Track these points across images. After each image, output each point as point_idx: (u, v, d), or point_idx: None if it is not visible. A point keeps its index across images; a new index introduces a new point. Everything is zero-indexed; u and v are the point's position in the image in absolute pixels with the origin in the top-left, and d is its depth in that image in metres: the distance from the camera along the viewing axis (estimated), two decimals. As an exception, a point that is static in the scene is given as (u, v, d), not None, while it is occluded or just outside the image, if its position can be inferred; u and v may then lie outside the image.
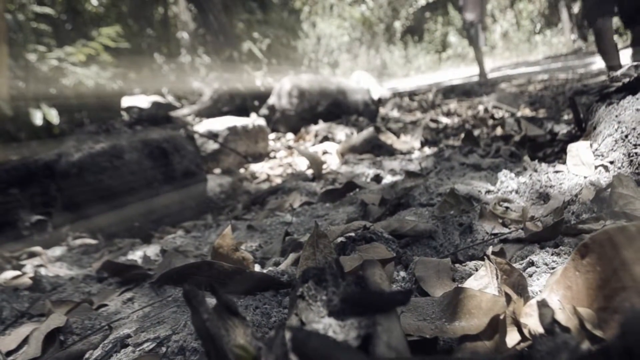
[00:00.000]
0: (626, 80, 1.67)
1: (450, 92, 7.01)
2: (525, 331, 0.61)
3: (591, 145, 1.60)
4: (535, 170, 1.62)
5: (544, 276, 0.86)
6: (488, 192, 1.48)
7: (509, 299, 0.65)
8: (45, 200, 2.11)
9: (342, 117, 4.38)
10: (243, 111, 5.24)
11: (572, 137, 2.09)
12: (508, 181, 1.52)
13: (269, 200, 2.06)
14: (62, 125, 5.22)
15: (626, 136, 1.45)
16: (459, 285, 0.75)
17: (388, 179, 2.04)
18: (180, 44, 9.00)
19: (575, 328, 0.57)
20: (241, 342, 0.41)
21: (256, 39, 8.25)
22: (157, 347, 0.75)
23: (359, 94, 4.70)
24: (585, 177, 1.46)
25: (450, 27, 19.66)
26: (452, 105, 5.36)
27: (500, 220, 1.28)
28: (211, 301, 0.63)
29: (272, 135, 4.45)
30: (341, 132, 3.79)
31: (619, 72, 1.83)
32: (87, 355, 0.78)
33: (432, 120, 4.25)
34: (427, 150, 2.80)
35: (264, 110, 4.80)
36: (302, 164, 3.12)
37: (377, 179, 2.02)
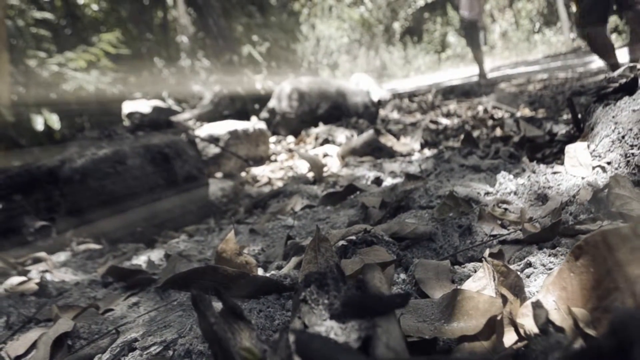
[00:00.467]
0: (623, 81, 1.68)
1: (449, 92, 7.03)
2: (522, 331, 0.63)
3: (588, 146, 1.61)
4: (534, 172, 1.63)
5: (542, 277, 0.87)
6: (487, 193, 1.50)
7: (505, 300, 0.67)
8: (49, 206, 2.13)
9: (342, 120, 4.40)
10: (243, 115, 5.27)
11: (571, 138, 2.11)
12: (507, 183, 1.54)
13: (271, 204, 2.08)
14: (63, 130, 5.25)
15: (623, 137, 1.47)
16: (457, 287, 0.77)
17: (388, 181, 2.05)
18: (180, 47, 9.03)
19: (570, 328, 0.58)
20: (247, 345, 0.43)
21: (255, 42, 8.28)
22: (164, 350, 0.77)
23: (359, 96, 4.72)
24: (582, 178, 1.48)
25: (449, 27, 19.69)
26: (452, 106, 5.38)
27: (499, 222, 1.29)
28: (217, 305, 0.65)
29: (272, 139, 4.47)
30: (341, 135, 3.81)
31: (615, 73, 1.85)
32: (95, 359, 0.80)
33: (432, 122, 4.27)
34: (427, 152, 2.82)
35: (264, 114, 4.82)
36: (303, 167, 3.14)
37: (378, 181, 2.04)
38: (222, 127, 3.66)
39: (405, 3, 21.38)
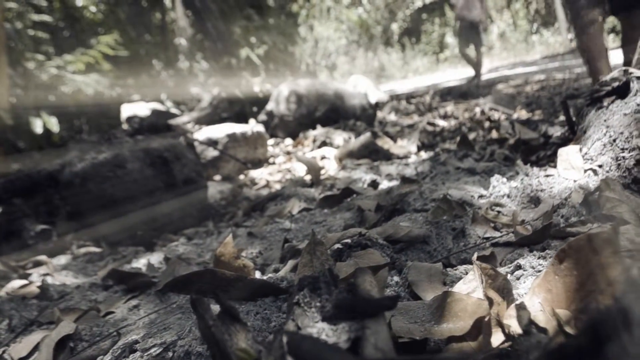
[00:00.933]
0: (615, 84, 1.70)
1: (447, 94, 7.06)
2: (508, 332, 0.66)
3: (581, 149, 1.64)
4: (527, 175, 1.66)
5: (531, 279, 0.90)
6: (481, 196, 1.53)
7: (493, 302, 0.69)
8: (49, 209, 2.15)
9: (340, 122, 4.43)
10: (242, 117, 5.30)
11: (565, 141, 2.13)
12: (500, 186, 1.56)
13: (269, 207, 2.10)
14: (62, 133, 5.27)
15: (614, 140, 1.50)
16: (448, 290, 0.79)
17: (385, 184, 2.08)
18: (178, 50, 9.05)
19: (553, 328, 0.61)
20: (243, 346, 0.46)
21: (254, 45, 8.31)
22: (163, 352, 0.79)
23: (357, 99, 4.75)
24: (575, 181, 1.50)
25: (447, 28, 19.75)
26: (449, 107, 5.41)
27: (492, 224, 1.32)
28: (215, 308, 0.68)
29: (271, 141, 4.50)
30: (339, 137, 3.84)
31: (608, 77, 1.87)
32: (97, 361, 0.82)
33: (429, 124, 4.30)
34: (424, 155, 2.85)
35: (262, 116, 4.85)
36: (300, 170, 3.17)
37: (374, 184, 2.07)
38: (221, 130, 3.68)
39: (403, 4, 21.44)
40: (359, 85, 6.48)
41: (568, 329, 0.60)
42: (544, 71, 8.76)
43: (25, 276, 1.67)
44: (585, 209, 1.31)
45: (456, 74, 13.10)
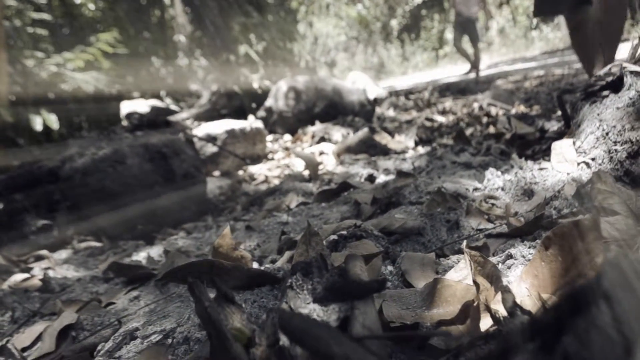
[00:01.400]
0: (609, 79, 1.72)
1: (446, 90, 7.08)
2: (496, 316, 0.68)
3: (574, 142, 1.66)
4: (521, 168, 1.68)
5: (521, 267, 0.92)
6: (475, 189, 1.55)
7: (481, 287, 0.72)
8: (50, 205, 2.17)
9: (339, 118, 4.45)
10: (241, 113, 5.32)
11: (561, 135, 2.15)
12: (494, 179, 1.59)
13: (267, 201, 2.13)
14: (62, 130, 5.29)
15: (607, 134, 1.52)
16: (437, 277, 0.82)
17: (381, 178, 2.10)
18: (177, 47, 9.06)
19: (538, 312, 0.63)
20: (238, 326, 0.48)
21: (252, 41, 8.31)
22: (163, 338, 0.82)
23: (355, 95, 4.77)
24: (568, 174, 1.52)
25: (447, 24, 19.73)
26: (448, 103, 5.43)
27: (486, 216, 1.34)
28: (213, 295, 0.70)
29: (269, 137, 4.52)
30: (337, 133, 3.86)
31: (602, 72, 1.89)
32: (99, 348, 0.84)
33: (427, 119, 4.32)
34: (421, 150, 2.87)
35: (261, 113, 4.87)
36: (299, 165, 3.19)
37: (371, 178, 2.09)
38: (220, 126, 3.70)
39: (403, 0, 21.41)
40: (357, 82, 6.49)
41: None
42: (543, 67, 8.76)
43: (27, 270, 1.70)
44: (578, 201, 1.33)
45: (456, 70, 13.10)
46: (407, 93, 7.10)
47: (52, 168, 2.20)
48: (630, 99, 1.53)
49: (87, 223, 2.06)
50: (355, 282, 0.49)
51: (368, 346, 0.43)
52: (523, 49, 16.46)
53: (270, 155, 3.91)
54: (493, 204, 1.42)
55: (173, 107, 6.08)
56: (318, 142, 3.83)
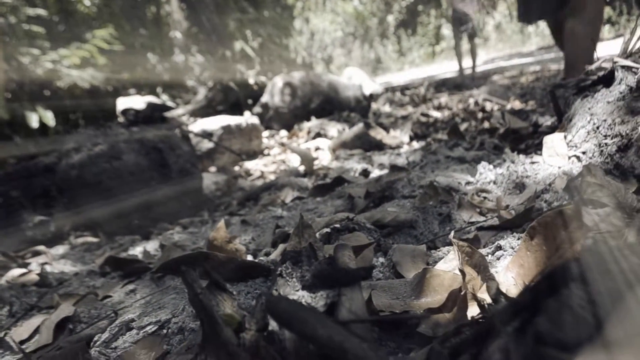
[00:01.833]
0: (601, 74, 1.74)
1: (442, 85, 7.09)
2: (482, 304, 0.70)
3: (565, 136, 1.68)
4: (513, 162, 1.70)
5: (509, 258, 0.94)
6: (468, 183, 1.57)
7: (468, 276, 0.73)
8: (46, 201, 2.18)
9: (335, 114, 4.46)
10: (237, 109, 5.32)
11: (553, 129, 2.17)
12: (486, 173, 1.61)
13: (263, 196, 2.14)
14: (58, 127, 5.29)
15: (597, 127, 1.54)
16: (426, 267, 0.84)
17: (376, 173, 2.12)
18: (173, 43, 9.04)
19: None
20: (229, 312, 0.49)
21: (248, 37, 8.31)
22: (159, 329, 0.84)
23: (351, 90, 4.78)
24: (559, 167, 1.55)
25: (443, 19, 19.72)
26: (443, 98, 5.44)
27: (478, 210, 1.36)
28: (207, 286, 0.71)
29: (265, 133, 4.53)
30: (333, 128, 3.87)
31: (594, 66, 1.91)
32: (95, 339, 0.86)
33: (423, 115, 4.33)
34: (416, 145, 2.89)
35: (257, 109, 4.88)
36: (295, 161, 3.21)
37: (365, 173, 2.11)
38: (216, 122, 3.71)
39: (399, -4, 21.39)
40: (353, 77, 6.50)
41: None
42: (540, 62, 8.78)
43: (25, 265, 1.71)
44: (568, 194, 1.35)
45: (452, 65, 13.11)
46: (403, 89, 7.12)
47: (48, 164, 2.21)
48: (621, 93, 1.55)
49: (84, 218, 2.07)
50: (343, 270, 0.51)
51: (353, 330, 0.45)
52: (519, 44, 16.48)
53: (266, 151, 3.92)
54: (485, 197, 1.44)
55: (169, 103, 6.08)
56: (314, 138, 3.84)
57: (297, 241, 0.90)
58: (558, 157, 1.62)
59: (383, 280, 0.89)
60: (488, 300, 0.69)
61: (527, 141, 2.25)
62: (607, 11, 13.53)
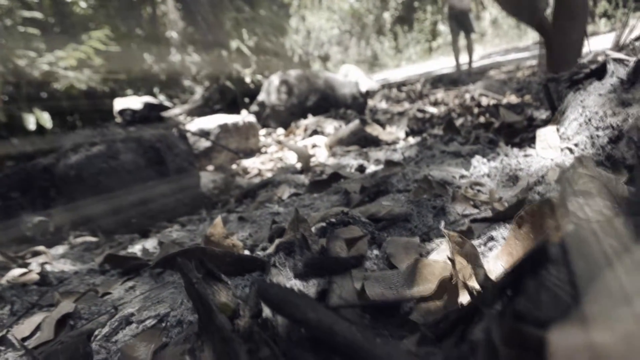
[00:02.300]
0: (593, 66, 1.76)
1: (438, 81, 7.11)
2: (472, 292, 0.72)
3: (558, 129, 1.70)
4: (507, 155, 1.72)
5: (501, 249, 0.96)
6: (462, 177, 1.59)
7: (460, 264, 0.75)
8: (45, 201, 2.20)
9: (331, 111, 4.48)
10: (234, 108, 5.34)
11: (548, 123, 2.20)
12: (480, 166, 1.62)
13: (260, 193, 2.16)
14: (55, 129, 5.30)
15: (589, 120, 1.56)
16: (418, 257, 0.85)
17: (372, 168, 2.14)
18: (169, 43, 9.04)
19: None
20: (223, 300, 0.51)
21: (244, 36, 8.31)
22: (158, 322, 0.85)
23: (347, 88, 4.80)
24: (552, 160, 1.56)
25: (440, 15, 19.72)
26: (440, 94, 5.46)
27: (472, 202, 1.38)
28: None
29: (262, 131, 4.54)
30: (330, 126, 3.89)
31: (586, 59, 1.93)
32: (96, 333, 0.88)
33: (419, 110, 4.35)
34: (411, 140, 2.90)
35: (254, 107, 4.89)
36: (291, 158, 3.22)
37: (361, 169, 2.12)
38: (213, 121, 3.73)
39: (395, -8, 21.38)
40: (349, 75, 6.51)
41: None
42: (536, 57, 8.79)
43: (25, 265, 1.72)
44: (560, 185, 1.37)
45: (449, 61, 13.12)
46: (400, 85, 7.13)
47: (46, 165, 2.22)
48: (612, 85, 1.57)
49: (83, 218, 2.09)
50: (333, 259, 0.53)
51: (343, 314, 0.46)
52: (516, 39, 16.50)
53: (263, 149, 3.94)
54: (479, 190, 1.46)
55: (166, 103, 6.09)
56: (311, 135, 3.86)
57: (292, 235, 0.91)
58: (551, 149, 1.64)
59: (377, 272, 0.91)
60: (478, 288, 0.71)
61: (522, 135, 2.27)
62: (603, 4, 13.56)
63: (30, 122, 4.86)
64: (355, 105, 4.75)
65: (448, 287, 0.70)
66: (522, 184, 1.44)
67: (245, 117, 3.98)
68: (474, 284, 0.72)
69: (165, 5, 9.43)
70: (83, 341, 0.79)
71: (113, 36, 6.10)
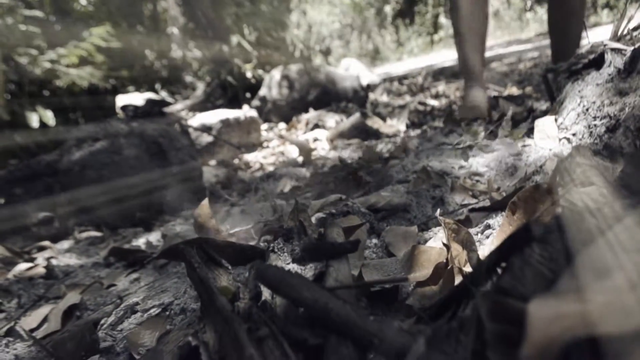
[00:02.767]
0: (591, 57, 1.77)
1: (439, 74, 7.10)
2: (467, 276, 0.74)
3: (556, 119, 1.72)
4: (505, 146, 1.74)
5: (497, 236, 0.98)
6: (461, 167, 1.60)
7: (455, 250, 0.77)
8: (50, 197, 2.22)
9: (332, 105, 4.49)
10: (235, 103, 5.35)
11: (547, 113, 2.21)
12: (479, 156, 1.64)
13: (262, 187, 2.18)
14: (58, 126, 5.32)
15: (587, 109, 1.57)
16: (415, 244, 0.87)
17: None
18: (171, 39, 9.05)
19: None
20: (224, 284, 0.53)
21: (245, 31, 8.32)
22: (162, 311, 0.88)
23: (348, 81, 4.81)
24: (550, 150, 1.58)
25: (441, 8, 19.62)
26: (441, 87, 5.46)
27: (470, 192, 1.40)
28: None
29: (264, 126, 4.56)
30: (331, 119, 3.90)
31: (585, 50, 1.94)
32: (102, 322, 0.90)
33: (420, 103, 4.36)
34: (412, 133, 2.92)
35: (255, 102, 4.91)
36: (293, 152, 3.24)
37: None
38: (214, 116, 3.75)
39: (396, -15, 21.28)
40: (350, 68, 6.51)
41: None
42: (538, 49, 8.75)
43: (31, 260, 1.75)
44: (558, 174, 1.38)
45: (451, 54, 13.07)
46: (401, 78, 7.13)
47: (50, 162, 2.24)
48: (609, 75, 1.58)
49: (87, 213, 2.11)
50: (330, 243, 0.55)
51: (338, 295, 0.48)
52: (518, 31, 16.41)
53: (265, 144, 3.96)
54: (477, 181, 1.47)
55: (168, 99, 6.11)
56: (312, 129, 3.87)
57: (291, 223, 0.93)
58: (549, 139, 1.65)
59: (376, 259, 0.93)
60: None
61: (521, 125, 2.28)
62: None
63: (33, 120, 4.89)
64: (357, 98, 4.76)
65: (444, 272, 0.72)
66: (520, 173, 1.46)
67: (246, 111, 3.99)
68: (469, 268, 0.74)
69: (166, 1, 9.44)
70: (90, 329, 0.82)
71: (114, 33, 6.10)
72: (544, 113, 2.27)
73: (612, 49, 1.65)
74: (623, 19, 1.87)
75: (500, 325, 0.39)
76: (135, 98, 5.00)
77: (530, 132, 2.13)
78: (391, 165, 1.60)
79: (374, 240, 1.04)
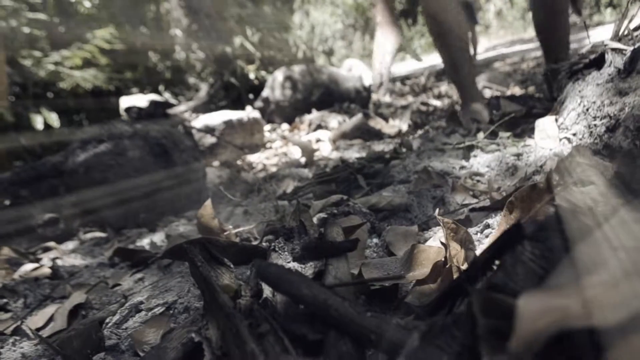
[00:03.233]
0: (592, 57, 1.78)
1: (442, 74, 7.10)
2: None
3: (557, 119, 1.72)
4: (506, 146, 1.75)
5: (496, 235, 0.99)
6: (462, 167, 1.61)
7: (453, 249, 0.78)
8: (55, 199, 2.24)
9: (335, 105, 4.51)
10: (238, 104, 5.38)
11: (548, 113, 2.21)
12: (480, 157, 1.65)
13: (265, 188, 2.20)
14: (62, 128, 5.36)
15: (587, 109, 1.58)
16: (415, 243, 0.89)
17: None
18: (174, 41, 9.08)
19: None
20: (226, 282, 0.55)
21: (248, 33, 8.34)
22: (166, 310, 0.89)
23: (351, 82, 4.82)
24: (550, 150, 1.59)
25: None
26: (444, 87, 5.47)
27: (471, 192, 1.41)
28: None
29: (267, 127, 4.58)
30: (334, 120, 3.92)
31: (585, 50, 1.95)
32: (107, 320, 0.92)
33: (422, 104, 4.37)
34: (414, 133, 2.93)
35: (258, 103, 4.93)
36: (296, 153, 3.26)
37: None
38: (217, 118, 3.77)
39: (398, -14, 21.27)
40: (353, 69, 6.52)
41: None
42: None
43: (37, 260, 1.77)
44: (558, 174, 1.39)
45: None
46: (404, 79, 7.14)
47: (55, 163, 2.27)
48: (610, 75, 1.59)
49: (92, 214, 2.13)
50: (329, 242, 0.56)
51: (337, 292, 0.50)
52: (521, 30, 16.38)
53: (268, 144, 3.98)
54: (478, 181, 1.49)
55: (171, 100, 6.14)
56: (315, 130, 3.89)
57: (292, 223, 0.95)
58: (549, 139, 1.66)
59: (376, 258, 0.94)
60: (471, 271, 0.74)
61: (522, 125, 2.29)
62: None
63: (38, 122, 4.93)
64: (359, 99, 4.78)
65: (442, 271, 0.74)
66: (520, 173, 1.47)
67: (249, 113, 4.01)
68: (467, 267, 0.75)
69: (169, 2, 9.47)
70: (95, 327, 0.83)
71: (118, 35, 6.14)
72: (545, 112, 2.28)
73: (613, 49, 1.66)
74: (624, 19, 1.88)
75: (492, 320, 0.40)
76: (139, 100, 5.03)
77: (530, 132, 2.14)
78: (392, 165, 1.61)
79: (375, 240, 1.06)
